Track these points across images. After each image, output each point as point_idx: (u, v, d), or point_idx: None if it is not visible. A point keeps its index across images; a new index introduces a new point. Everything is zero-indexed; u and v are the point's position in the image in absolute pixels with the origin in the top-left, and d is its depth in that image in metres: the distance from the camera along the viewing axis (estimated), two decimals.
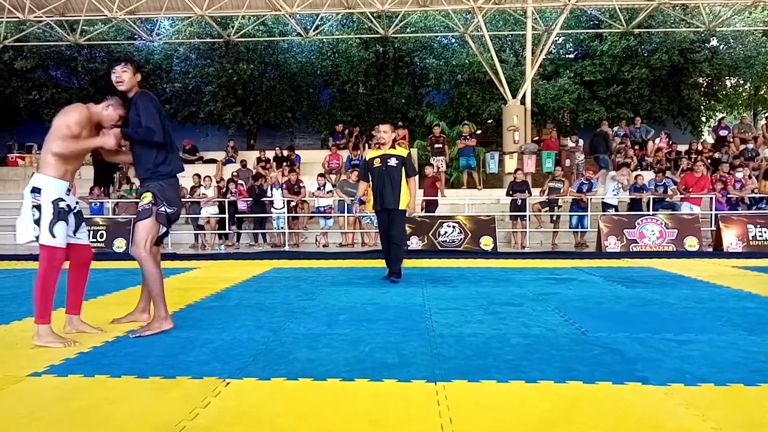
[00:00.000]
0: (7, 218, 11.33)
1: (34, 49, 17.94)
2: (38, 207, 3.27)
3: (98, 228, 9.94)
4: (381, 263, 7.53)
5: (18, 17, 14.42)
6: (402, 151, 6.05)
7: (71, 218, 3.45)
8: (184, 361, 3.02)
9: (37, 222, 3.27)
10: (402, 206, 5.87)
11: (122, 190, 11.32)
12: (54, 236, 3.28)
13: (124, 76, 3.61)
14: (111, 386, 2.64)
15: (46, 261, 3.29)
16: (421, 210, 10.68)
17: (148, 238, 3.57)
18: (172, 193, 3.67)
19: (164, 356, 3.12)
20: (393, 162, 5.87)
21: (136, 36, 17.80)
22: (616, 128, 14.65)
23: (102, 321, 4.03)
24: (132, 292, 5.50)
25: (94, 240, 9.77)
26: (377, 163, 5.93)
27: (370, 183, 6.06)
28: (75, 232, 3.53)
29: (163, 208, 3.61)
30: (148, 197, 3.58)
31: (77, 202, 3.62)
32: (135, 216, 3.72)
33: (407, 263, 7.80)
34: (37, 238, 3.28)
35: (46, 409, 2.36)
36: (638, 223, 9.36)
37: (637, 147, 13.93)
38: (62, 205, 3.35)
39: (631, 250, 9.16)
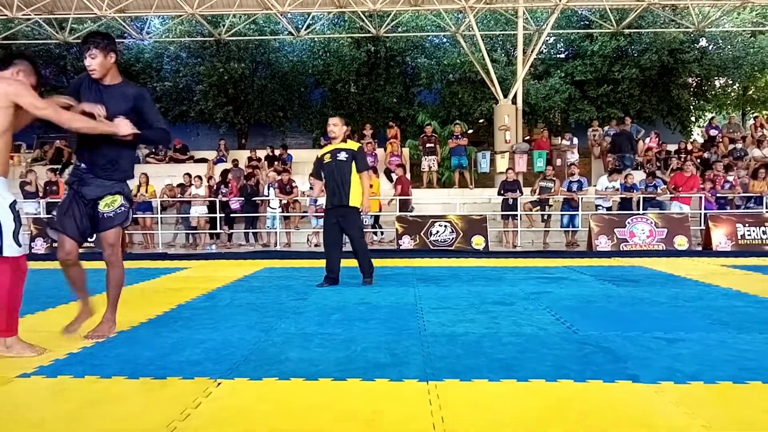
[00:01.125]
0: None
1: (22, 47, 17.76)
2: None
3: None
4: (375, 262, 7.51)
5: (6, 15, 14.27)
6: (352, 145, 5.70)
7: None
8: (176, 361, 3.00)
9: None
10: (353, 203, 5.50)
11: None
12: (20, 245, 2.96)
13: (93, 63, 3.25)
14: (101, 387, 2.62)
15: (11, 273, 2.95)
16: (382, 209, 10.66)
17: (120, 239, 3.49)
18: (129, 190, 3.57)
19: (155, 356, 3.10)
20: (342, 156, 5.52)
21: (126, 34, 17.66)
22: (606, 128, 14.73)
23: (90, 322, 3.99)
24: (128, 291, 5.45)
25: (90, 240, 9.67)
26: (327, 158, 5.59)
27: (324, 180, 5.70)
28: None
29: (130, 212, 3.53)
30: (118, 200, 3.40)
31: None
32: (98, 223, 3.38)
33: (398, 262, 7.81)
34: None
35: (35, 410, 2.34)
36: (628, 223, 9.41)
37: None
38: (17, 207, 3.00)
39: (621, 249, 9.21)
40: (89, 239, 3.55)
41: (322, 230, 5.89)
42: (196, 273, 7.00)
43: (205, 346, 3.31)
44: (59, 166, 13.19)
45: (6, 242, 2.88)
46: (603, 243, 9.32)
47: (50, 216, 3.53)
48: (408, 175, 13.49)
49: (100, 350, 3.26)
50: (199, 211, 10.68)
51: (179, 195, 11.06)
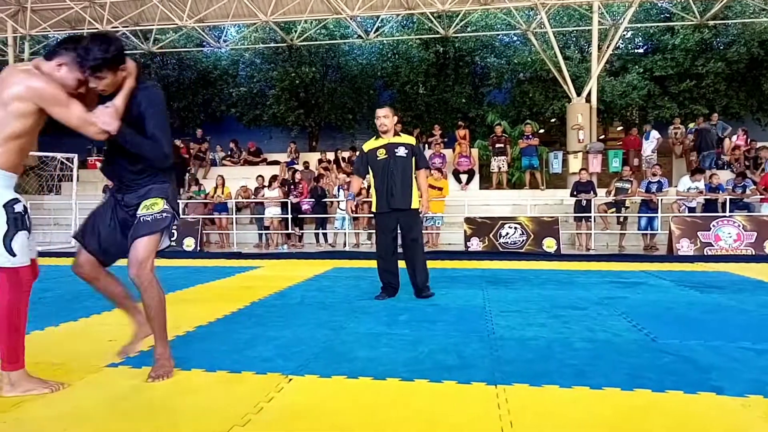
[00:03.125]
0: (82, 218, 12.05)
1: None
2: None
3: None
4: (442, 264, 7.51)
5: (97, 28, 15.30)
6: (409, 139, 5.06)
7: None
8: (249, 356, 3.12)
9: None
10: (415, 205, 4.93)
11: (191, 191, 11.78)
12: (14, 253, 2.36)
13: (101, 85, 2.55)
14: (182, 378, 2.76)
15: (9, 288, 2.38)
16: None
17: (153, 255, 2.72)
18: (175, 200, 2.88)
19: (230, 351, 3.23)
20: (402, 152, 4.89)
21: (204, 43, 18.52)
22: (691, 125, 13.95)
23: (172, 317, 4.21)
24: (204, 288, 5.73)
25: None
26: (381, 154, 4.91)
27: (372, 179, 5.03)
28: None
29: (175, 222, 2.85)
30: (160, 204, 2.73)
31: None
32: (133, 229, 2.69)
33: (467, 265, 7.73)
34: None
35: (122, 398, 2.50)
36: (713, 225, 8.87)
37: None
38: (18, 208, 2.39)
39: (705, 253, 8.70)
40: (113, 259, 2.86)
41: (375, 236, 5.13)
42: (268, 272, 7.23)
43: (276, 343, 3.41)
44: None
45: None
46: (685, 247, 8.84)
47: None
48: (477, 176, 13.37)
49: (181, 344, 3.43)
50: (273, 212, 11.02)
51: (252, 196, 11.46)
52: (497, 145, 12.74)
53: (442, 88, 19.44)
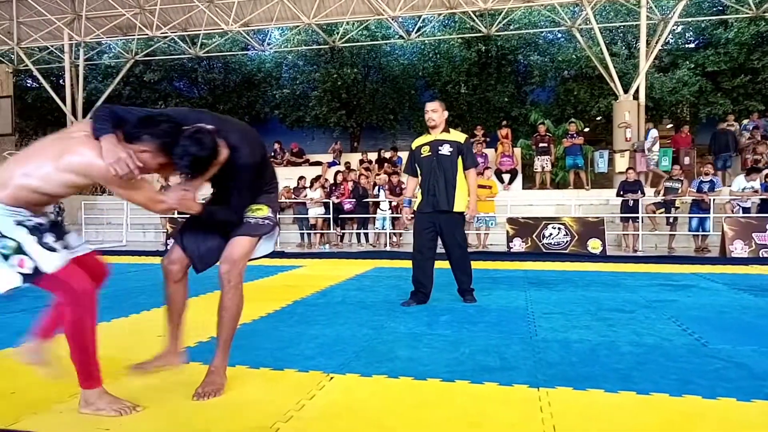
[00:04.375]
0: (134, 218, 12.50)
1: (160, 63, 19.62)
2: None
3: None
4: (484, 264, 7.43)
5: (147, 34, 15.83)
6: (458, 136, 4.70)
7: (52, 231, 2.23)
8: (292, 354, 3.17)
9: (13, 254, 2.10)
10: (459, 207, 4.59)
11: None
12: (54, 249, 2.17)
13: (197, 183, 2.45)
14: (227, 374, 2.82)
15: (69, 303, 2.19)
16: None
17: (247, 258, 2.64)
18: (277, 211, 2.79)
19: (273, 349, 3.29)
20: (446, 149, 4.57)
21: (249, 46, 18.90)
22: (745, 121, 13.39)
23: (215, 315, 4.31)
24: (248, 287, 5.84)
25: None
26: (426, 151, 4.64)
27: (420, 177, 4.77)
28: (69, 246, 2.33)
29: (276, 229, 2.76)
30: (265, 210, 2.66)
31: (54, 212, 2.54)
32: (241, 224, 2.60)
33: (509, 266, 7.64)
34: (28, 276, 2.12)
35: (167, 392, 2.57)
36: None
37: None
38: (37, 220, 2.18)
39: (760, 255, 8.33)
40: (206, 267, 2.73)
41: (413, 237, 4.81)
42: (310, 271, 7.32)
43: (318, 341, 3.46)
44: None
45: (38, 256, 2.11)
46: (739, 249, 8.49)
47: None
48: (520, 176, 13.19)
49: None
50: (317, 212, 11.16)
51: (294, 197, 11.62)
52: (541, 145, 12.54)
53: (484, 88, 19.27)
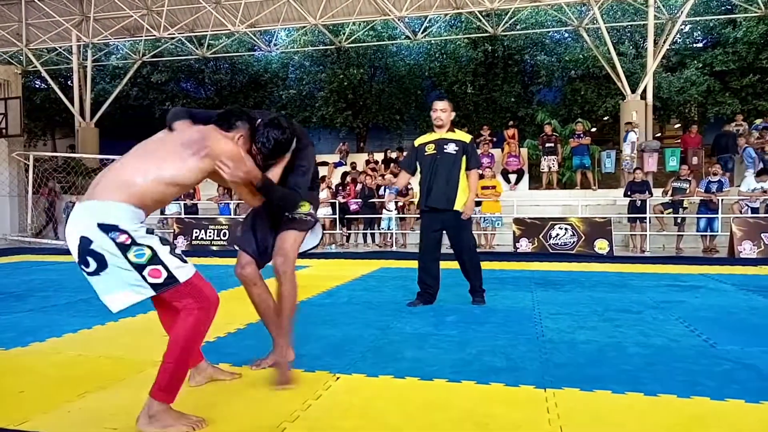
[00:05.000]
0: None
1: (167, 64, 19.70)
2: (134, 244, 2.05)
3: (221, 227, 10.69)
4: (490, 265, 7.41)
5: (154, 35, 15.90)
6: (463, 135, 4.68)
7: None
8: (298, 354, 3.16)
9: (147, 265, 2.07)
10: (459, 206, 4.56)
11: None
12: (185, 261, 2.18)
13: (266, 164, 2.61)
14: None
15: (200, 309, 2.17)
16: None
17: (297, 251, 2.84)
18: (317, 208, 2.96)
19: None
20: (451, 148, 4.55)
21: (255, 47, 18.95)
22: (758, 121, 13.29)
23: (225, 313, 4.33)
24: None
25: (218, 238, 10.53)
26: (430, 149, 4.61)
27: (420, 174, 4.75)
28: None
29: (318, 225, 2.96)
30: (307, 207, 2.82)
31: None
32: (284, 224, 2.79)
33: (515, 266, 7.62)
34: (162, 284, 2.10)
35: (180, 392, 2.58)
36: None
37: None
38: (159, 233, 2.21)
39: None
40: (268, 259, 2.89)
41: (420, 236, 4.80)
42: (316, 271, 7.33)
43: (325, 342, 3.46)
44: None
45: (171, 264, 2.11)
46: (747, 249, 8.44)
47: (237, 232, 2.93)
48: (527, 176, 13.15)
49: (234, 340, 3.52)
50: (323, 212, 11.18)
51: None
52: (547, 145, 12.50)
53: (491, 88, 19.24)
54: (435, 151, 4.60)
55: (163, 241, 2.15)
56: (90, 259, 2.04)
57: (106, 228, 2.03)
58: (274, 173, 2.62)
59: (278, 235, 2.81)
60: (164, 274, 2.09)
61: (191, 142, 2.22)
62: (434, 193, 4.56)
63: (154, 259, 2.07)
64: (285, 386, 2.61)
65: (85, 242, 2.04)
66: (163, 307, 2.42)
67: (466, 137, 4.70)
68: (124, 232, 2.03)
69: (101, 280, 2.07)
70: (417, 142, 4.84)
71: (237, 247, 2.91)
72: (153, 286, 2.08)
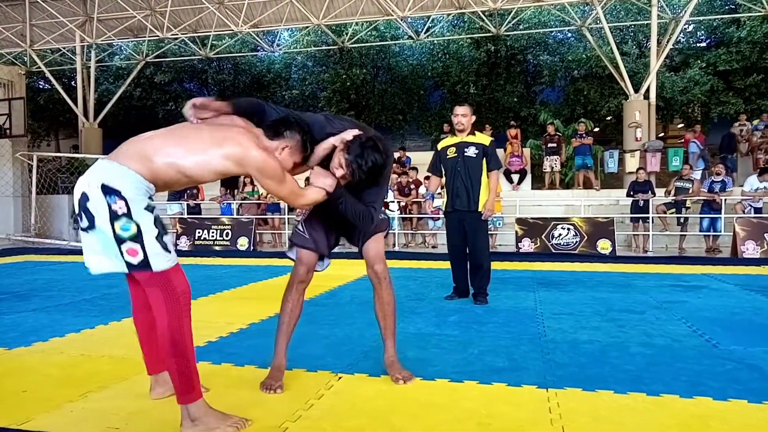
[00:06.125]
0: None
1: (170, 64, 19.75)
2: (125, 216, 1.99)
3: (224, 227, 10.71)
4: (492, 265, 7.38)
5: (158, 36, 15.94)
6: (483, 138, 4.81)
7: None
8: (301, 354, 3.17)
9: (128, 240, 2.00)
10: (481, 207, 4.74)
11: (245, 192, 12.08)
12: (168, 250, 2.08)
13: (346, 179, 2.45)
14: (236, 374, 2.85)
15: (168, 301, 2.06)
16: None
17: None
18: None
19: None
20: (472, 152, 4.70)
21: (258, 48, 18.98)
22: (756, 122, 13.26)
23: (227, 314, 4.35)
24: (258, 287, 5.87)
25: (221, 238, 10.54)
26: (451, 153, 4.78)
27: (445, 177, 4.94)
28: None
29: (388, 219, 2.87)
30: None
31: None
32: (364, 226, 2.67)
33: (518, 266, 7.61)
34: (134, 265, 2.02)
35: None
36: None
37: None
38: (156, 213, 2.11)
39: None
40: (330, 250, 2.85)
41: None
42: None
43: (327, 341, 3.46)
44: None
45: (150, 250, 2.03)
46: (750, 249, 8.42)
47: (299, 231, 2.77)
48: (529, 176, 13.14)
49: (235, 340, 3.53)
50: None
51: None
52: (550, 145, 12.49)
53: (494, 88, 19.24)
54: (456, 155, 4.77)
55: (157, 223, 2.07)
56: (84, 216, 2.03)
57: (108, 190, 1.99)
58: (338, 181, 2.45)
59: (365, 242, 2.75)
60: (140, 256, 2.01)
61: (223, 140, 2.15)
62: (458, 195, 4.75)
63: (137, 238, 2.00)
64: (410, 380, 2.66)
65: (83, 198, 2.03)
66: (137, 286, 2.30)
67: (486, 140, 4.84)
68: (123, 199, 1.99)
69: (89, 237, 2.04)
70: (439, 145, 5.02)
71: (305, 246, 2.73)
72: (127, 264, 2.02)
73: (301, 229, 2.74)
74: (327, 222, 2.72)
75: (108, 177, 2.01)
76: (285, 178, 2.25)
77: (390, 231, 10.83)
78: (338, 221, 2.67)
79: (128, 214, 1.99)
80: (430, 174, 5.25)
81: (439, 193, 9.19)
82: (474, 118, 4.85)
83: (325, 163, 2.49)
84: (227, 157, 2.13)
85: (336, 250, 3.03)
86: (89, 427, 2.20)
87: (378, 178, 2.54)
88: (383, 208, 2.77)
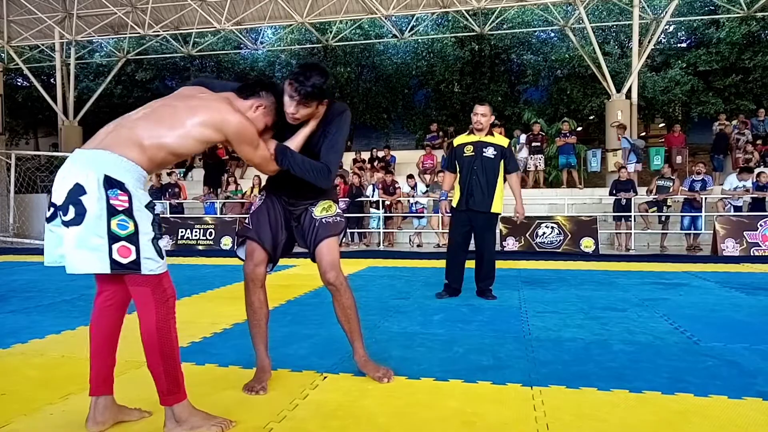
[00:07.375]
0: None
1: (152, 62, 19.53)
2: (124, 212, 1.91)
3: (207, 227, 10.62)
4: None
5: (139, 32, 15.74)
6: (501, 140, 4.84)
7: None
8: (285, 354, 3.16)
9: (123, 239, 1.91)
10: (496, 209, 4.78)
11: (228, 191, 11.99)
12: (162, 256, 2.02)
13: (300, 114, 2.36)
14: (220, 375, 2.82)
15: (156, 303, 2.01)
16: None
17: (339, 258, 2.71)
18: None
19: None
20: (490, 152, 4.71)
21: (242, 45, 18.84)
22: (734, 122, 13.48)
23: (211, 314, 4.31)
24: (242, 286, 5.83)
25: (204, 238, 10.45)
26: (469, 151, 4.77)
27: (458, 175, 4.91)
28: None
29: (346, 227, 2.81)
30: (334, 208, 2.68)
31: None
32: (315, 231, 2.61)
33: (502, 264, 7.64)
34: (123, 265, 1.92)
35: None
36: (761, 225, 8.56)
37: (760, 142, 12.73)
38: (157, 210, 2.08)
39: (752, 254, 8.40)
40: (277, 258, 2.73)
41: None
42: (303, 270, 7.30)
43: (312, 341, 3.45)
44: (182, 170, 14.26)
45: (144, 252, 1.95)
46: (730, 247, 8.56)
47: (245, 224, 2.67)
48: None
49: (219, 341, 3.50)
50: None
51: None
52: (534, 144, 12.58)
53: (478, 87, 19.32)
54: (473, 153, 4.75)
55: (155, 224, 2.00)
56: (72, 209, 1.87)
57: (112, 182, 1.88)
58: (297, 141, 2.41)
59: (316, 246, 2.60)
60: (132, 257, 1.92)
61: (197, 109, 2.12)
62: (472, 194, 4.72)
63: (132, 237, 1.91)
64: (390, 376, 2.66)
65: (77, 190, 1.88)
66: (109, 286, 2.15)
67: (504, 141, 4.86)
68: (127, 193, 1.90)
69: (70, 233, 1.89)
70: (456, 141, 5.01)
71: (250, 240, 2.60)
72: (114, 263, 1.89)
73: (247, 222, 2.67)
74: (274, 218, 2.63)
75: (110, 168, 1.90)
76: (259, 143, 2.24)
77: (377, 230, 10.85)
78: (286, 217, 2.64)
79: (128, 211, 1.91)
80: (444, 170, 5.23)
81: (398, 187, 9.13)
82: (493, 118, 4.88)
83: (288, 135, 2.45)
84: (204, 124, 2.10)
85: None
86: (70, 430, 2.16)
87: (328, 127, 2.46)
88: (339, 212, 2.71)
